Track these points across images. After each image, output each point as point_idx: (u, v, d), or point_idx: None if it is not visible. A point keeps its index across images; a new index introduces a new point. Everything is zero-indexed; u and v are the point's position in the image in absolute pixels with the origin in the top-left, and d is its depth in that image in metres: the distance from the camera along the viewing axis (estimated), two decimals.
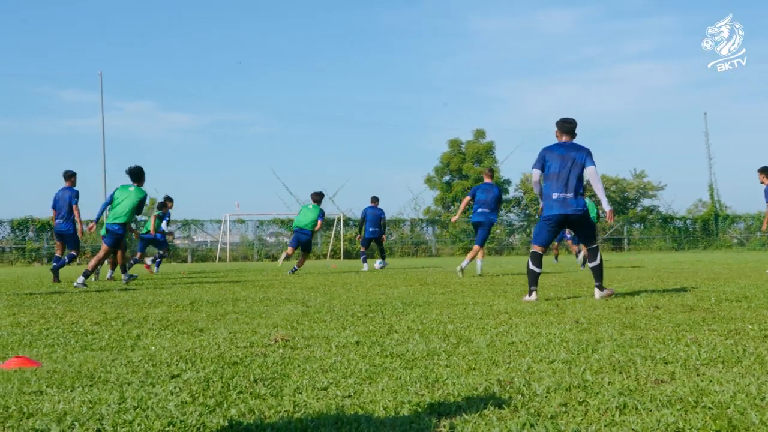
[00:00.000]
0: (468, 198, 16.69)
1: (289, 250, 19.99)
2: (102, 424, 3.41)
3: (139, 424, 3.40)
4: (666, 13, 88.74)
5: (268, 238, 47.03)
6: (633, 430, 3.15)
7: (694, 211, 53.38)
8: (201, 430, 3.33)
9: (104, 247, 14.41)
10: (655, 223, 51.05)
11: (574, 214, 9.61)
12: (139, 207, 14.52)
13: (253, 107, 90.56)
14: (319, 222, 19.14)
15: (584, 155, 9.71)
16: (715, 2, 78.86)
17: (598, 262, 9.75)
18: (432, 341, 5.79)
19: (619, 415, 3.39)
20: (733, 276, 14.39)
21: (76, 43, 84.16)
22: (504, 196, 54.18)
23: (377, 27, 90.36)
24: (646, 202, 55.84)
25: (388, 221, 45.68)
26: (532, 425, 3.23)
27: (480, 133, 54.58)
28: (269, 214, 45.81)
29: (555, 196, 9.62)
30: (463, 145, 54.45)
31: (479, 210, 16.30)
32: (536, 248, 9.86)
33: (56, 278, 15.76)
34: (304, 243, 19.31)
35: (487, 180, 16.81)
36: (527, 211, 54.23)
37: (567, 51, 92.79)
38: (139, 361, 5.11)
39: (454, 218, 18.45)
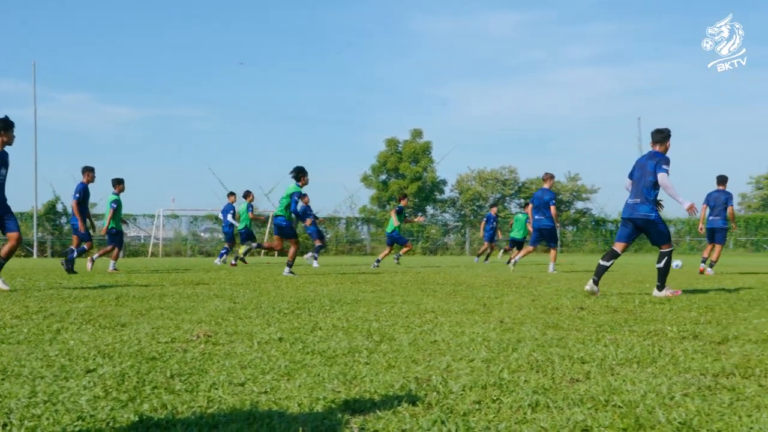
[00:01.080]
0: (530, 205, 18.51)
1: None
2: (9, 419, 3.34)
3: (47, 419, 3.34)
4: (608, 20, 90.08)
5: (202, 234, 46.64)
6: (542, 428, 3.18)
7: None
8: (111, 425, 3.28)
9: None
10: (588, 226, 51.79)
11: (638, 219, 10.31)
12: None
13: (196, 102, 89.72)
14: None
15: (654, 163, 10.18)
16: (661, 7, 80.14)
17: (662, 265, 10.31)
18: (355, 339, 5.79)
19: (531, 413, 3.42)
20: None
21: (9, 33, 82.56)
22: (439, 196, 54.51)
23: (321, 25, 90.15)
24: (579, 205, 56.56)
25: (323, 219, 45.64)
26: (443, 422, 3.25)
27: (417, 133, 54.75)
28: (203, 210, 45.43)
29: (629, 201, 10.47)
30: (400, 145, 54.57)
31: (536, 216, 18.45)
32: (615, 245, 10.67)
33: (69, 269, 16.57)
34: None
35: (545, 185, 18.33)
36: (462, 212, 54.59)
37: (510, 54, 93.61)
38: (56, 355, 5.01)
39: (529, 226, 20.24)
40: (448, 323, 6.81)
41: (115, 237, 18.21)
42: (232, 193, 24.51)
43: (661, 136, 10.40)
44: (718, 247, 17.54)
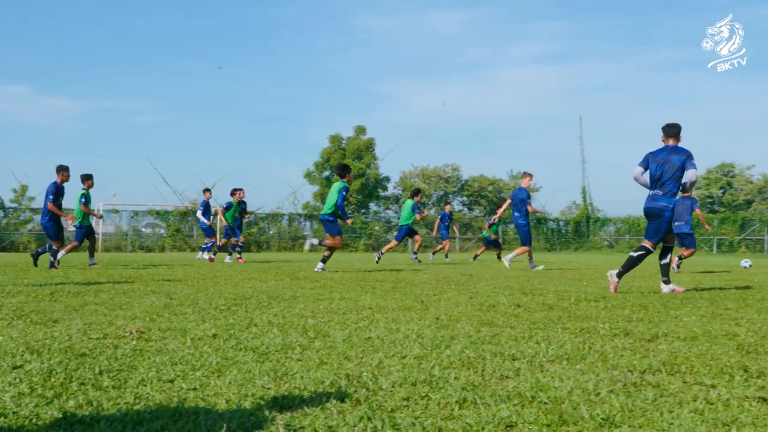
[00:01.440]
0: None
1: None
2: None
3: None
4: (552, 19, 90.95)
5: (143, 229, 46.11)
6: (467, 424, 3.21)
7: (567, 213, 54.79)
8: (33, 421, 3.23)
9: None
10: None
11: (654, 208, 10.66)
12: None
13: (139, 96, 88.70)
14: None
15: (684, 159, 10.47)
16: (604, 8, 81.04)
17: (667, 260, 10.82)
18: (290, 335, 5.78)
19: (458, 410, 3.45)
20: (597, 277, 14.81)
21: None
22: (382, 193, 54.58)
23: (267, 20, 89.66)
24: None
25: (266, 215, 45.41)
26: (369, 418, 3.26)
27: (361, 130, 54.78)
28: (144, 205, 44.94)
29: (650, 193, 10.73)
30: (343, 141, 54.54)
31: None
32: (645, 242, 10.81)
33: (50, 265, 16.78)
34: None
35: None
36: None
37: (455, 52, 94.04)
38: None
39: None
40: (384, 320, 6.83)
41: (82, 232, 18.21)
42: (207, 190, 24.81)
43: (675, 131, 10.74)
44: (690, 250, 18.12)
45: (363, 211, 52.79)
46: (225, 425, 3.15)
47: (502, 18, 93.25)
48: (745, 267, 19.99)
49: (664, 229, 10.68)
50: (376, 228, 49.02)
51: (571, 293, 10.15)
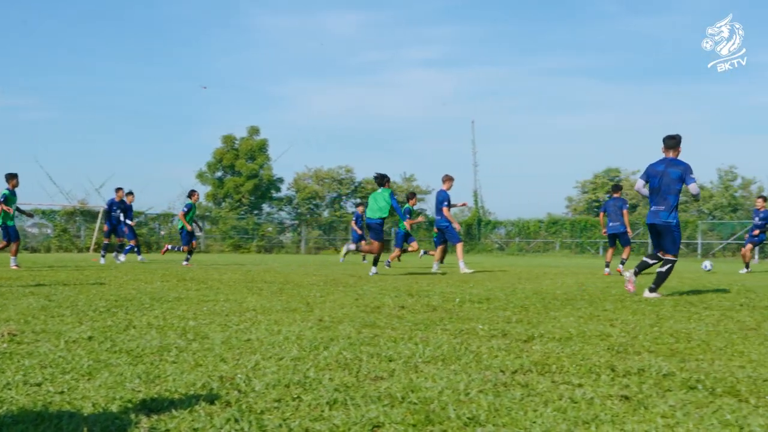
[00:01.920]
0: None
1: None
2: None
3: None
4: (446, 24, 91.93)
5: (29, 230, 44.83)
6: (334, 425, 3.22)
7: (459, 216, 55.36)
8: None
9: None
10: (422, 226, 52.54)
11: (659, 224, 10.78)
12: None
13: (25, 92, 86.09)
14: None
15: (680, 173, 10.56)
16: (498, 14, 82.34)
17: (664, 271, 10.80)
18: (168, 337, 5.71)
19: (328, 411, 3.46)
20: (485, 279, 15.04)
21: None
22: (275, 194, 54.29)
23: (160, 18, 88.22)
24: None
25: (157, 216, 44.69)
26: (236, 420, 3.25)
27: (254, 130, 54.33)
28: (29, 204, 43.66)
29: (652, 208, 10.85)
30: (236, 142, 54.02)
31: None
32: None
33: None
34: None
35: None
36: (299, 210, 54.56)
37: (351, 54, 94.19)
38: None
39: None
40: (266, 322, 6.80)
41: (5, 232, 17.75)
42: (120, 189, 23.52)
43: (674, 142, 10.83)
44: (626, 248, 18.81)
45: (256, 212, 52.40)
46: (88, 429, 3.10)
47: (398, 21, 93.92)
48: (707, 270, 20.37)
49: (679, 238, 10.98)
50: (269, 229, 48.75)
51: (457, 295, 10.27)
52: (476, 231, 51.85)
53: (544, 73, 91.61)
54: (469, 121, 67.17)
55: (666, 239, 10.86)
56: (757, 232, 21.63)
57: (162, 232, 45.17)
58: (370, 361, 4.73)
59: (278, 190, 55.35)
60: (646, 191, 11.03)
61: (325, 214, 54.71)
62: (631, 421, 3.37)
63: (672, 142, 10.85)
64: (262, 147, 53.94)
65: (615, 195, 18.81)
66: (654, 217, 10.81)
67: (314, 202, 56.30)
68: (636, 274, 11.17)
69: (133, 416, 3.30)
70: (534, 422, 3.30)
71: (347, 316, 7.42)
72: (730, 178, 50.07)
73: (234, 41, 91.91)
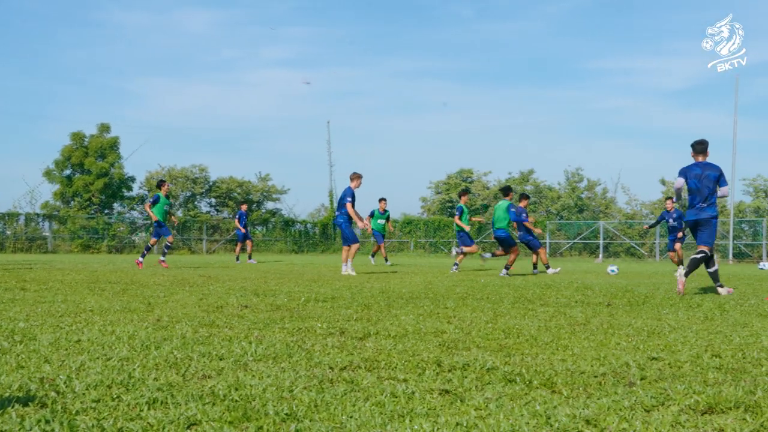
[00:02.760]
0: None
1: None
2: None
3: None
4: (301, 24, 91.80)
5: None
6: (149, 424, 3.20)
7: (315, 216, 55.45)
8: None
9: None
10: (278, 226, 52.42)
11: (703, 219, 11.89)
12: None
13: None
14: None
15: (717, 174, 11.81)
16: (352, 16, 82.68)
17: (713, 268, 12.09)
18: None
19: (147, 410, 3.43)
20: (335, 278, 15.15)
21: None
22: (127, 194, 53.12)
23: (4, 9, 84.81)
24: (270, 205, 57.14)
25: (2, 215, 43.08)
26: (47, 421, 3.18)
27: (105, 128, 52.85)
28: None
29: (696, 206, 11.91)
30: (86, 139, 52.48)
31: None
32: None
33: None
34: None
35: None
36: None
37: (206, 51, 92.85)
38: None
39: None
40: (101, 322, 6.66)
41: None
42: None
43: (703, 147, 11.99)
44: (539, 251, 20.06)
45: (107, 211, 51.10)
46: None
47: (253, 20, 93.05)
48: (612, 273, 20.16)
49: (715, 232, 12.12)
50: (121, 228, 47.65)
51: (303, 294, 10.31)
52: (331, 231, 52.00)
53: (399, 75, 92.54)
54: (325, 122, 67.22)
55: (705, 233, 11.97)
56: (680, 234, 21.87)
57: (7, 232, 43.57)
58: (200, 360, 4.71)
59: (130, 189, 54.04)
60: (683, 191, 12.34)
61: (179, 213, 53.75)
62: (445, 413, 3.46)
63: (701, 147, 12.01)
64: (113, 145, 52.51)
65: (518, 203, 19.48)
66: (699, 213, 11.90)
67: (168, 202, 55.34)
68: (686, 275, 11.77)
69: None
70: (351, 417, 3.35)
71: (187, 315, 7.35)
72: (576, 180, 51.61)
73: (85, 36, 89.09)
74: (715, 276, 12.11)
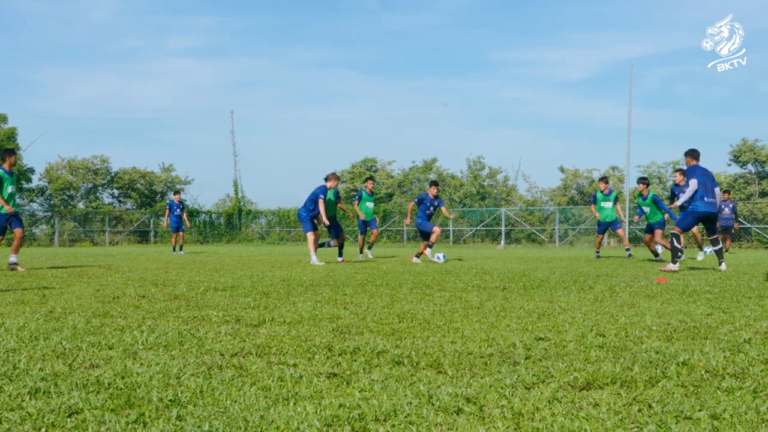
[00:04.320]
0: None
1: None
2: None
3: None
4: (206, 13, 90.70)
5: None
6: (28, 413, 3.17)
7: (220, 206, 54.90)
8: None
9: None
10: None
11: (712, 211, 14.10)
12: None
13: None
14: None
15: (713, 176, 14.29)
16: (258, 6, 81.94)
17: (720, 246, 14.42)
18: None
19: (29, 400, 3.40)
20: (238, 267, 15.07)
21: None
22: (26, 185, 51.84)
23: None
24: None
25: None
26: None
27: (2, 118, 51.51)
28: None
29: (707, 199, 14.07)
30: None
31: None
32: (677, 230, 14.19)
33: None
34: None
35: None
36: (52, 202, 52.37)
37: (109, 41, 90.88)
38: None
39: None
40: None
41: None
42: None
43: (698, 154, 14.42)
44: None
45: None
46: None
47: (157, 9, 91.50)
48: (439, 260, 20.21)
49: (681, 219, 14.41)
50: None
51: (203, 283, 10.25)
52: (237, 221, 51.64)
53: (303, 65, 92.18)
54: (229, 112, 66.58)
55: (715, 224, 14.52)
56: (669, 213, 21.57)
57: None
58: (89, 350, 4.67)
59: (29, 180, 52.72)
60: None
61: (80, 205, 52.68)
62: (330, 396, 3.52)
63: (697, 154, 14.39)
64: (11, 136, 51.09)
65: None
66: (712, 206, 14.06)
67: (68, 193, 54.04)
68: (721, 263, 14.10)
69: None
70: (235, 401, 3.38)
71: (81, 306, 7.25)
72: (478, 168, 52.14)
73: None
74: (720, 253, 14.34)
